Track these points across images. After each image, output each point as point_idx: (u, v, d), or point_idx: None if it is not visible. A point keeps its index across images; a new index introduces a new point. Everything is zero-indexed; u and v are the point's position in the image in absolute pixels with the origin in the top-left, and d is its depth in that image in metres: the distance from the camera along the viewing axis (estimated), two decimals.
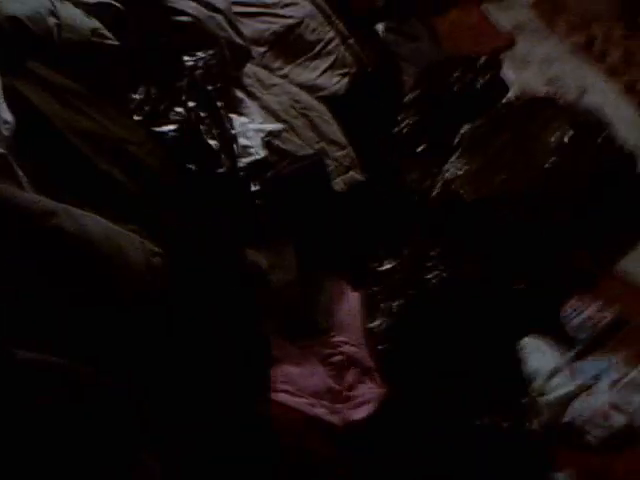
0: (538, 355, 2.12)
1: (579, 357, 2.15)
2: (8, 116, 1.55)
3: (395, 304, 2.02)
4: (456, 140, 2.45)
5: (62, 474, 1.32)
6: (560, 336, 2.18)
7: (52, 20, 1.68)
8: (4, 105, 1.56)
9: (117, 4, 1.83)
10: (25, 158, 1.55)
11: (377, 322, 2.00)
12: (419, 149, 2.44)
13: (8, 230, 1.44)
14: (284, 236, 1.98)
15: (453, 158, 2.40)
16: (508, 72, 2.80)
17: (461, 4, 3.37)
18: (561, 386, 2.05)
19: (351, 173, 2.19)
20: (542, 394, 2.02)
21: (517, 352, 2.10)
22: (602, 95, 2.89)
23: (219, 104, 1.86)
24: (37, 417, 1.34)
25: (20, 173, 1.52)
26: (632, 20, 3.12)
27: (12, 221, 1.44)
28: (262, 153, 1.91)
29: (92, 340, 1.47)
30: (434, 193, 2.33)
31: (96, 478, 1.37)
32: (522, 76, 2.97)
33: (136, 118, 1.76)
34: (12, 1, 1.66)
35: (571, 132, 2.45)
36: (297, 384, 1.82)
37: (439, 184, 2.34)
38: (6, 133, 1.54)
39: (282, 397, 1.78)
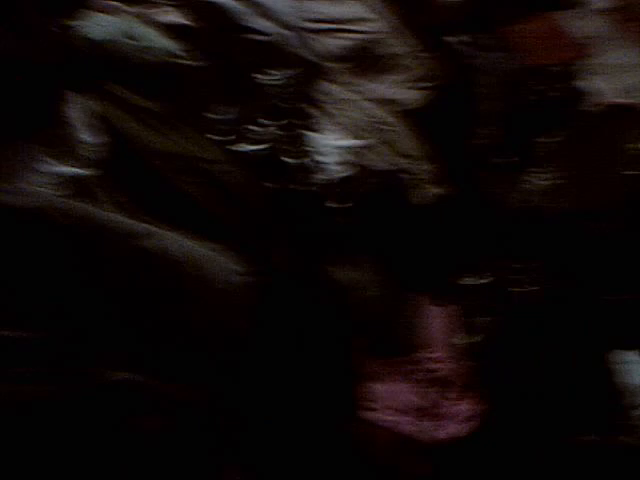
0: (631, 369, 2.07)
1: None
2: (90, 138, 1.57)
3: (482, 319, 1.97)
4: (534, 152, 2.40)
5: None
6: None
7: (130, 42, 1.70)
8: (86, 126, 1.57)
9: (193, 24, 1.84)
10: (107, 179, 1.56)
11: (465, 338, 1.96)
12: (497, 161, 2.40)
13: (94, 251, 1.45)
14: (364, 253, 1.95)
15: (532, 170, 2.35)
16: (582, 81, 2.74)
17: (534, 14, 3.33)
18: None
19: (429, 187, 2.15)
20: (632, 409, 1.97)
21: (610, 366, 2.04)
22: None
23: (295, 122, 1.85)
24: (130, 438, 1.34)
25: (103, 194, 1.52)
26: None
27: (97, 242, 1.45)
28: (340, 169, 1.89)
29: (178, 358, 1.47)
30: (515, 206, 2.28)
31: None
32: (597, 85, 2.92)
33: (213, 137, 1.76)
34: (90, 25, 1.68)
35: None
36: (385, 401, 1.79)
37: (519, 197, 2.30)
38: (87, 154, 1.56)
39: (370, 414, 1.75)
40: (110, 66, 1.66)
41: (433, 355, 1.94)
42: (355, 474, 1.69)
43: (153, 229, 1.50)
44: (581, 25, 3.31)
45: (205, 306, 1.53)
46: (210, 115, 1.78)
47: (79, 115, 1.59)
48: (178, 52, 1.78)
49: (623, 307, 2.09)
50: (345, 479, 1.67)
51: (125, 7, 1.82)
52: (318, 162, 1.87)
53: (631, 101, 2.86)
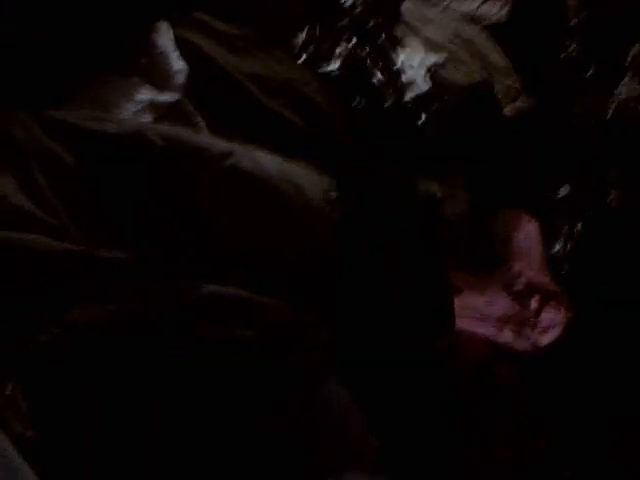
0: None
1: None
2: (181, 65, 1.62)
3: (575, 228, 1.97)
4: (627, 61, 2.35)
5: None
6: None
7: None
8: (176, 54, 1.62)
9: None
10: (200, 103, 1.61)
11: (557, 247, 1.96)
12: (589, 73, 2.36)
13: (188, 173, 1.50)
14: (454, 168, 1.96)
15: (625, 79, 2.30)
16: None
17: None
18: None
19: (520, 100, 2.14)
20: None
21: None
22: None
23: (381, 39, 1.86)
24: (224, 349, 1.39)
25: (197, 118, 1.57)
26: None
27: (193, 163, 1.50)
28: (427, 85, 1.90)
29: (276, 274, 1.52)
30: (609, 115, 2.24)
31: None
32: None
33: (301, 59, 1.78)
34: None
35: None
36: (481, 311, 1.81)
37: (613, 106, 2.25)
38: (180, 81, 1.61)
39: (467, 324, 1.77)
40: None
41: (528, 266, 1.95)
42: (448, 385, 1.71)
43: (247, 149, 1.55)
44: None
45: (300, 222, 1.57)
46: (297, 38, 1.81)
47: (170, 44, 1.64)
48: None
49: None
50: (438, 391, 1.69)
51: None
52: (405, 78, 1.87)
53: None
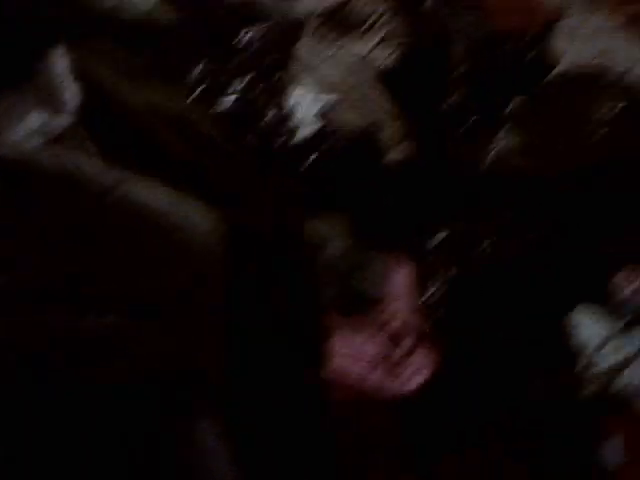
0: (587, 325, 2.14)
1: (629, 327, 2.17)
2: (75, 89, 1.61)
3: (448, 273, 2.05)
4: (507, 111, 2.46)
5: None
6: (609, 307, 2.20)
7: None
8: (71, 78, 1.61)
9: None
10: (93, 130, 1.60)
11: (430, 291, 2.04)
12: (470, 122, 2.46)
13: (77, 200, 1.50)
14: (338, 207, 2.02)
15: (504, 130, 2.42)
16: (557, 45, 2.78)
17: None
18: (611, 356, 2.07)
19: (404, 144, 2.22)
20: (592, 364, 2.05)
21: (567, 321, 2.12)
22: None
23: (276, 76, 1.89)
24: None
25: (89, 144, 1.57)
26: None
27: (80, 191, 1.50)
28: (318, 125, 1.94)
29: (162, 308, 1.53)
30: (486, 165, 2.35)
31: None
32: (571, 49, 2.97)
33: (195, 93, 1.80)
34: None
35: (622, 103, 2.45)
36: (355, 351, 1.86)
37: (491, 156, 2.36)
38: (74, 106, 1.60)
39: (340, 363, 1.82)
40: (95, 21, 1.70)
41: (402, 307, 2.01)
42: (318, 427, 1.75)
43: (138, 178, 1.55)
44: None
45: (188, 255, 1.59)
46: (192, 71, 1.82)
47: (65, 68, 1.63)
48: (162, 7, 1.81)
49: (583, 262, 2.17)
50: (309, 432, 1.73)
51: None
52: (297, 117, 1.92)
53: (602, 65, 2.92)
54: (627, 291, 2.23)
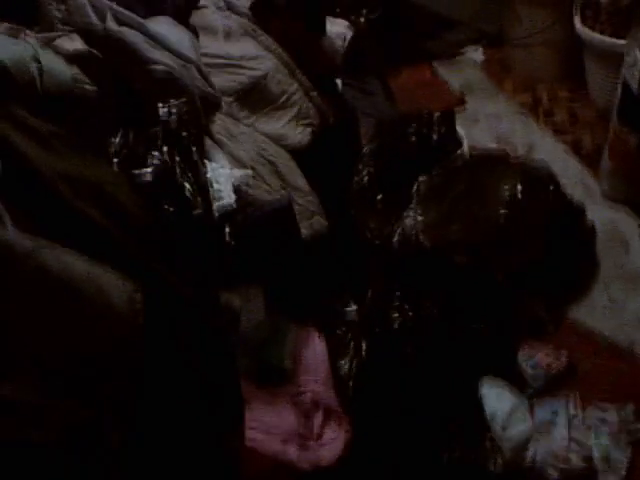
0: (496, 396, 2.20)
1: (534, 398, 2.24)
2: None
3: (359, 344, 2.08)
4: (413, 190, 2.54)
5: None
6: (516, 379, 2.26)
7: (34, 66, 1.74)
8: None
9: (96, 52, 1.90)
10: (8, 198, 1.59)
11: (342, 362, 2.06)
12: (378, 199, 2.53)
13: None
14: (253, 279, 2.03)
15: (410, 208, 2.49)
16: (458, 128, 2.90)
17: (414, 63, 3.52)
18: (519, 426, 2.13)
19: (315, 218, 2.27)
20: (501, 434, 2.10)
21: (477, 392, 2.17)
22: (549, 152, 3.04)
23: (193, 149, 1.92)
24: None
25: (4, 215, 1.55)
26: (574, 85, 3.30)
27: None
28: (232, 199, 1.97)
29: (75, 377, 1.51)
30: (394, 240, 2.41)
31: None
32: (472, 132, 3.10)
33: (114, 162, 1.81)
34: None
35: (522, 184, 2.56)
36: (268, 425, 1.86)
37: (398, 232, 2.43)
38: None
39: (254, 437, 1.82)
40: (14, 89, 1.70)
41: (314, 381, 2.03)
42: None
43: (54, 247, 1.54)
44: (458, 76, 3.53)
45: (103, 326, 1.58)
46: (111, 140, 1.83)
47: None
48: (80, 79, 1.82)
49: (490, 336, 2.24)
50: None
51: (30, 33, 1.86)
52: (213, 190, 1.94)
53: (502, 147, 3.06)
54: (528, 366, 2.31)
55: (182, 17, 2.34)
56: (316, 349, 2.12)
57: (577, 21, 3.13)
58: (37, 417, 1.43)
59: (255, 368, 1.99)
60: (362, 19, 3.39)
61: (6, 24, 1.83)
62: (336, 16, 3.27)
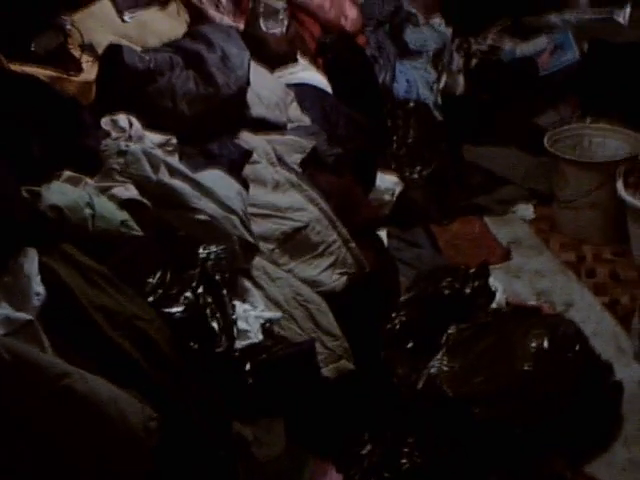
0: None
1: None
2: (40, 289, 1.83)
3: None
4: (442, 340, 2.68)
5: None
6: None
7: (88, 211, 1.99)
8: (38, 278, 1.83)
9: (145, 201, 2.15)
10: (50, 325, 1.81)
11: None
12: (408, 346, 2.67)
13: (27, 387, 1.68)
14: (274, 414, 2.18)
15: (438, 356, 2.62)
16: (495, 283, 3.02)
17: (464, 217, 3.70)
18: None
19: (342, 362, 2.41)
20: None
21: None
22: (587, 310, 3.15)
23: (224, 291, 2.11)
24: None
25: (44, 339, 1.77)
26: (618, 246, 3.43)
27: (31, 379, 1.69)
28: (259, 337, 2.15)
29: None
30: (418, 386, 2.53)
31: None
32: (513, 287, 3.24)
33: (150, 299, 2.01)
34: (55, 192, 1.98)
35: (549, 341, 2.66)
36: None
37: (423, 379, 2.55)
38: (36, 303, 1.81)
39: None
40: (67, 229, 1.95)
41: None
42: None
43: (84, 373, 1.74)
44: (506, 231, 3.68)
45: (120, 445, 1.75)
46: (150, 280, 2.05)
47: (34, 268, 1.85)
48: (129, 223, 2.07)
49: None
50: None
51: (88, 180, 2.12)
52: (240, 328, 2.12)
53: (540, 303, 3.17)
54: None
55: (236, 170, 2.58)
56: None
57: (620, 186, 3.28)
58: None
59: None
60: (415, 175, 3.61)
61: (69, 172, 2.11)
62: (391, 170, 3.52)
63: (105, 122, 2.33)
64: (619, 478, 2.50)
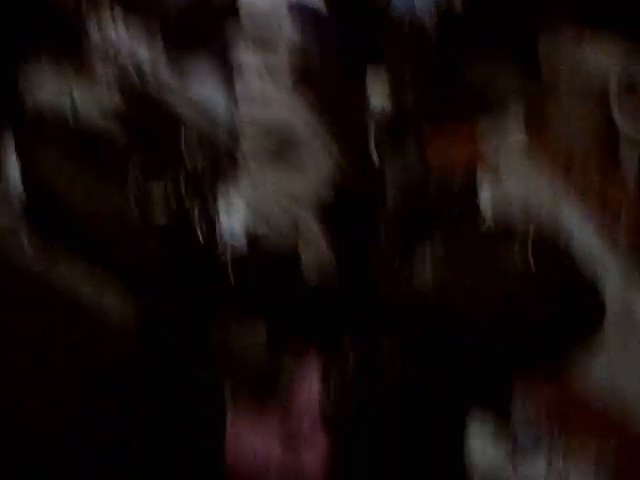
0: (481, 447, 2.28)
1: (520, 455, 2.31)
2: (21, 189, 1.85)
3: (346, 376, 2.23)
4: (427, 249, 2.69)
5: None
6: (503, 431, 2.35)
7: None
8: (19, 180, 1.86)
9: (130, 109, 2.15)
10: (31, 225, 1.84)
11: (327, 390, 2.21)
12: (393, 255, 2.69)
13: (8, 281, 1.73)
14: (256, 311, 2.22)
15: (422, 265, 2.64)
16: (486, 184, 3.00)
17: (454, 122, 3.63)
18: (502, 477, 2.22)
19: (325, 259, 2.44)
20: None
21: (462, 442, 2.27)
22: (573, 217, 3.13)
23: (207, 191, 2.13)
24: None
25: (23, 235, 1.80)
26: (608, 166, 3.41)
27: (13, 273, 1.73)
28: (242, 239, 2.18)
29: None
30: (402, 293, 2.56)
31: None
32: (500, 189, 3.19)
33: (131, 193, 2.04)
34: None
35: (536, 252, 2.68)
36: (253, 455, 2.02)
37: (406, 280, 2.57)
38: (17, 203, 1.84)
39: (233, 456, 1.98)
40: (47, 128, 1.96)
41: (306, 409, 2.18)
42: None
43: (64, 266, 1.78)
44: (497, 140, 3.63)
45: (100, 335, 1.80)
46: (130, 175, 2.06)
47: (15, 170, 1.88)
48: (108, 120, 2.08)
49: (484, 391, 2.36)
50: None
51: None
52: (225, 225, 2.15)
53: (529, 213, 3.15)
54: (520, 417, 2.39)
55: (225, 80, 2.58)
56: (312, 383, 2.27)
57: None
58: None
59: (249, 387, 2.15)
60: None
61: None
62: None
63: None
64: (595, 379, 2.52)
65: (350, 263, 2.58)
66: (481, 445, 2.29)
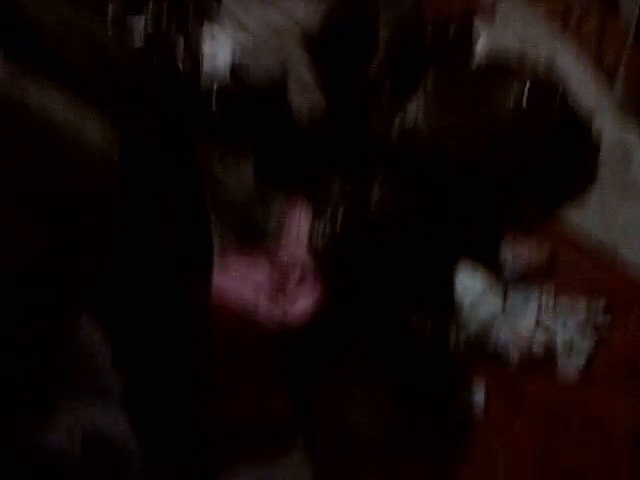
0: (470, 275, 2.25)
1: (509, 284, 2.28)
2: None
3: (337, 214, 2.16)
4: (420, 84, 2.58)
5: None
6: (495, 267, 2.32)
7: None
8: None
9: None
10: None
11: (318, 226, 2.15)
12: (384, 90, 2.58)
13: None
14: (244, 146, 2.12)
15: (415, 99, 2.54)
16: (483, 30, 2.90)
17: None
18: (488, 306, 2.19)
19: (315, 97, 2.33)
20: (470, 311, 2.16)
21: (452, 269, 2.23)
22: (570, 61, 3.04)
23: (190, 10, 1.99)
24: None
25: None
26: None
27: None
28: (227, 61, 2.04)
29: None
30: (393, 128, 2.47)
31: None
32: (496, 34, 3.10)
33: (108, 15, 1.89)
34: None
35: (530, 87, 2.59)
36: (243, 272, 1.97)
37: (399, 120, 2.48)
38: None
39: (227, 281, 1.92)
40: None
41: (290, 242, 2.13)
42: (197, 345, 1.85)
43: (35, 85, 1.64)
44: None
45: (79, 160, 1.68)
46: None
47: None
48: None
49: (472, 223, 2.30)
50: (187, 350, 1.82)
51: None
52: (208, 52, 2.02)
53: (524, 52, 3.05)
54: (508, 255, 2.36)
55: None
56: (301, 220, 2.20)
57: None
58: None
59: (238, 227, 2.08)
60: None
61: None
62: None
63: None
64: (591, 221, 2.49)
65: (340, 100, 2.47)
66: (471, 272, 2.25)
